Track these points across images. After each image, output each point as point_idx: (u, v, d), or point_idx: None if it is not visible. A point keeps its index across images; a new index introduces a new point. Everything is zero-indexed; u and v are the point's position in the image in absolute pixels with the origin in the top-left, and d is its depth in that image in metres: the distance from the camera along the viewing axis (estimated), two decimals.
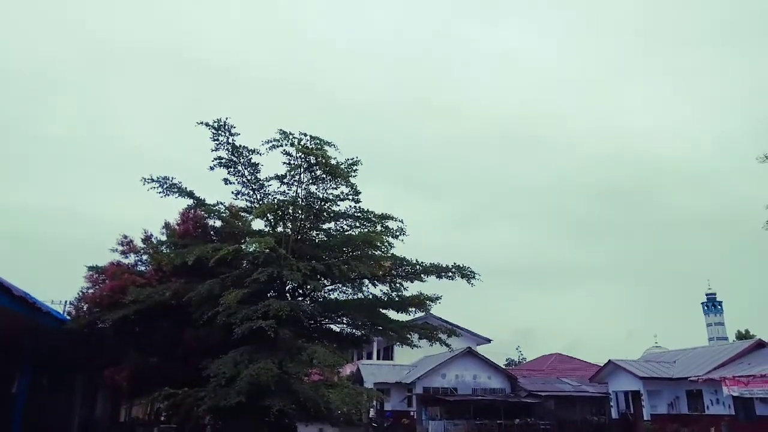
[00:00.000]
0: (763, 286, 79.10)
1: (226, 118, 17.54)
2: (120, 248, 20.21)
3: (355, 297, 19.84)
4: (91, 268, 19.46)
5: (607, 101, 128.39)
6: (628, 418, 33.79)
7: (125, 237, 20.36)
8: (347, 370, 40.26)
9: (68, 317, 18.58)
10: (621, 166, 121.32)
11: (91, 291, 19.14)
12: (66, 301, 21.21)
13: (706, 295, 64.84)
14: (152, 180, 17.87)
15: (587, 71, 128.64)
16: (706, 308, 64.90)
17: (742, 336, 58.15)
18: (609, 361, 35.99)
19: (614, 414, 35.33)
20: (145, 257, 20.42)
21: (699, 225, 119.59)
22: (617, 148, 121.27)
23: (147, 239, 20.54)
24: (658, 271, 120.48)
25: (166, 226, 20.72)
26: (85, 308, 19.03)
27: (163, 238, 20.49)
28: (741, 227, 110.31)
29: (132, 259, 20.42)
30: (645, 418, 32.00)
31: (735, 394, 26.42)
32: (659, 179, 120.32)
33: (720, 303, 64.33)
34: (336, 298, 19.93)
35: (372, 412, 36.14)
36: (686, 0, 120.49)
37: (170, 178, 18.11)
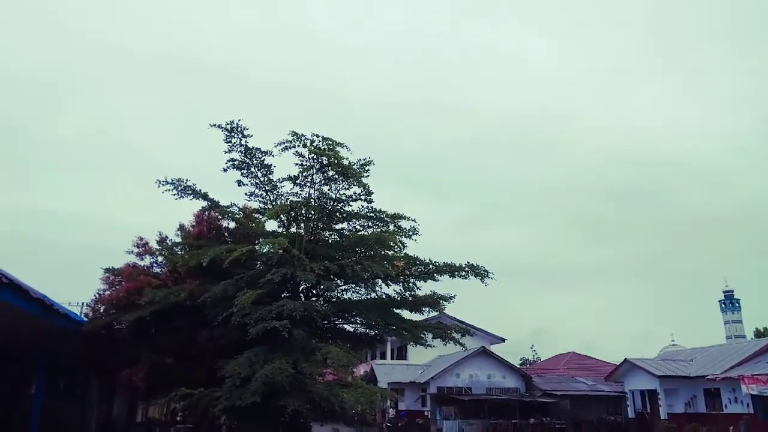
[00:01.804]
0: None
1: (239, 120, 17.69)
2: (135, 250, 20.38)
3: (369, 297, 19.84)
4: (107, 270, 19.65)
5: (617, 100, 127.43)
6: (645, 417, 33.46)
7: (140, 239, 20.55)
8: (361, 370, 40.37)
9: (85, 319, 18.78)
10: (633, 165, 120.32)
11: (107, 293, 19.32)
12: (83, 303, 21.46)
13: (724, 292, 63.97)
14: (167, 182, 18.04)
15: (596, 71, 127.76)
16: (723, 306, 64.02)
17: (760, 334, 57.36)
18: (625, 359, 35.67)
19: (630, 413, 35.02)
20: (160, 259, 20.58)
21: (714, 222, 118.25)
22: (628, 147, 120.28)
23: (162, 241, 20.71)
24: (674, 269, 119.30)
25: (181, 228, 20.88)
26: (101, 310, 19.21)
27: (178, 239, 20.65)
28: (756, 224, 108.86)
29: (147, 260, 20.60)
30: (662, 417, 31.67)
31: (754, 393, 26.07)
32: (672, 178, 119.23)
33: (738, 300, 63.41)
34: (349, 298, 19.97)
35: (392, 413, 36.17)
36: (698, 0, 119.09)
37: (184, 180, 18.28)
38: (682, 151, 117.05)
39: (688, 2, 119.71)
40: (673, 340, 49.03)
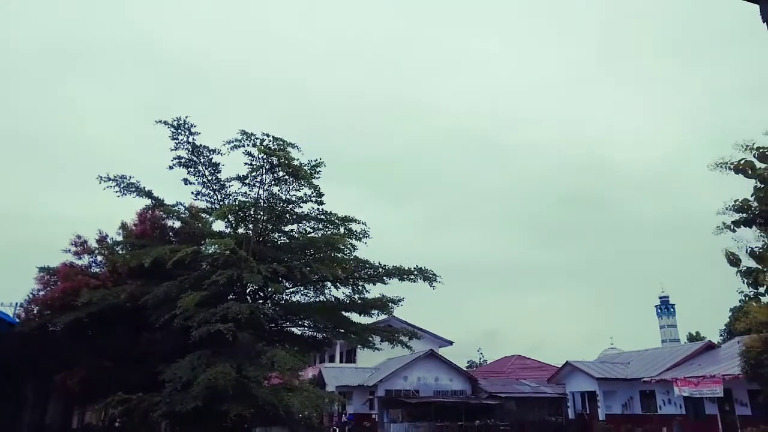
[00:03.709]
0: (713, 289, 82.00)
1: (186, 117, 17.33)
2: (73, 249, 19.66)
3: (317, 300, 19.74)
4: (42, 269, 18.88)
5: (572, 109, 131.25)
6: (585, 418, 34.55)
7: (79, 237, 19.83)
8: (309, 373, 40.02)
9: (18, 320, 17.97)
10: (583, 172, 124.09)
11: (42, 293, 18.60)
12: (16, 304, 20.57)
13: (660, 297, 66.65)
14: (109, 179, 17.42)
15: (553, 79, 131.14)
16: (659, 311, 66.64)
17: (693, 338, 60.14)
18: (566, 362, 36.74)
19: (571, 414, 36.07)
20: (99, 258, 19.93)
21: (655, 230, 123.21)
22: (580, 155, 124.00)
23: (102, 240, 20.04)
24: (616, 274, 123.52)
25: (123, 226, 20.26)
26: (35, 311, 18.52)
27: (119, 238, 20.02)
28: (694, 233, 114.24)
29: (86, 260, 19.91)
30: (600, 418, 32.77)
31: (686, 395, 27.31)
32: (619, 185, 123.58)
33: (673, 306, 66.15)
34: (298, 300, 19.82)
35: (345, 416, 36.02)
36: (650, 13, 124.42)
37: (128, 177, 17.71)
38: (630, 160, 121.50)
39: (641, 16, 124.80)
40: (612, 344, 50.85)
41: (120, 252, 19.08)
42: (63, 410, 28.80)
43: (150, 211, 19.51)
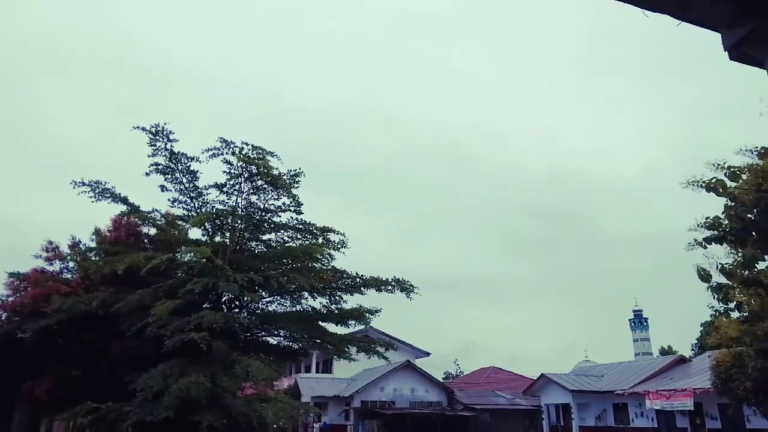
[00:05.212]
0: (685, 304, 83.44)
1: (165, 123, 17.18)
2: (44, 254, 19.34)
3: (294, 309, 19.64)
4: (11, 275, 18.53)
5: (550, 123, 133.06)
6: (559, 430, 34.74)
7: (50, 242, 19.52)
8: (285, 383, 39.66)
9: None
10: (558, 186, 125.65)
11: (11, 299, 18.29)
12: None
13: (633, 311, 67.52)
14: (83, 183, 17.17)
15: (531, 93, 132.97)
16: (632, 324, 67.47)
17: (665, 352, 61.04)
18: (542, 374, 36.94)
19: (545, 426, 36.22)
20: (71, 264, 19.62)
21: (629, 244, 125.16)
22: (557, 169, 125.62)
23: (74, 246, 19.73)
24: (591, 288, 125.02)
25: (97, 232, 19.96)
26: (3, 317, 18.18)
27: (93, 244, 19.73)
28: (666, 248, 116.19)
29: (57, 266, 19.60)
30: (574, 431, 32.98)
31: (657, 408, 27.65)
32: (594, 200, 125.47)
33: (646, 319, 67.02)
34: (274, 310, 19.71)
35: (316, 428, 35.67)
36: (626, 33, 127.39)
37: (102, 183, 17.48)
38: (606, 175, 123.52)
39: (619, 34, 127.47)
40: (586, 356, 51.38)
41: (93, 258, 18.80)
42: (30, 419, 28.08)
43: (125, 218, 19.25)
